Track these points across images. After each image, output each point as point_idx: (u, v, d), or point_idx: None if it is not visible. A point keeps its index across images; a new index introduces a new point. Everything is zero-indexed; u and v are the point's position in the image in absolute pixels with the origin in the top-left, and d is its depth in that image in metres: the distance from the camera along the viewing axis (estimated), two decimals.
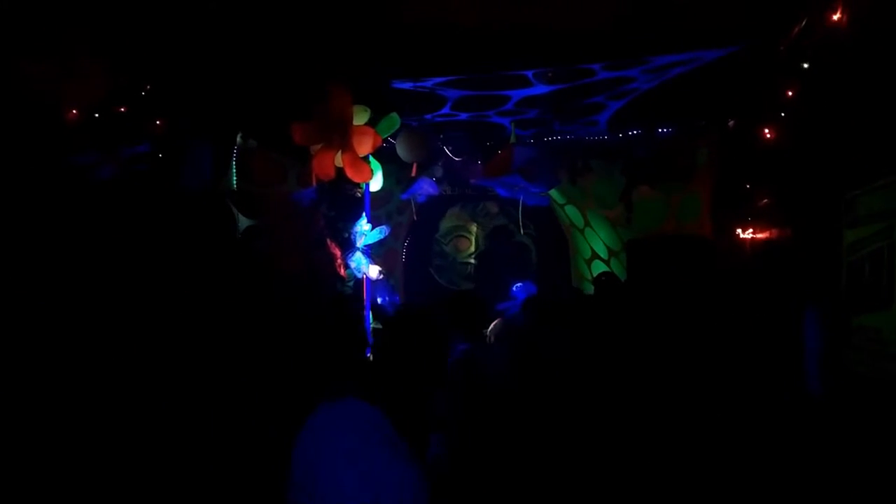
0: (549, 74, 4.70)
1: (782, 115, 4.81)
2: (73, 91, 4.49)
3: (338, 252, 5.68)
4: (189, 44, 4.73)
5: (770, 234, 5.57)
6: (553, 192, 6.92)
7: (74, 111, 4.65)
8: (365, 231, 5.48)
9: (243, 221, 5.70)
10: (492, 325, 3.96)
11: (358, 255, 5.49)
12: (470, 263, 8.24)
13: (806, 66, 4.30)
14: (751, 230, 5.78)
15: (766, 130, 5.00)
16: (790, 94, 4.58)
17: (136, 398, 3.75)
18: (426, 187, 6.46)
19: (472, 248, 8.23)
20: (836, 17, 3.80)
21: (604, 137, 6.36)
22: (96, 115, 4.80)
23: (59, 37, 4.21)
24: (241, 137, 5.74)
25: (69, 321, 4.04)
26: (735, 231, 5.86)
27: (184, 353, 4.22)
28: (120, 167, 4.92)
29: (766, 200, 5.52)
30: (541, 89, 5.04)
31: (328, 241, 5.79)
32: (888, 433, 3.55)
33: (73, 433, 3.36)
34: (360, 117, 5.04)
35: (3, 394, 3.31)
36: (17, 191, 4.21)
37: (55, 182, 4.46)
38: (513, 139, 5.73)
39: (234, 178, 5.72)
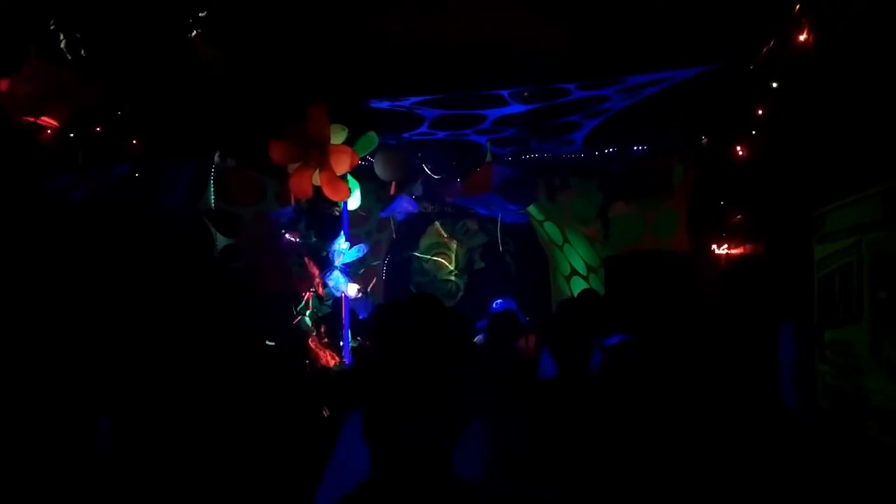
0: (525, 94, 4.76)
1: (753, 132, 4.91)
2: (48, 110, 4.46)
3: (316, 271, 5.66)
4: (166, 62, 4.73)
5: (744, 249, 5.66)
6: (532, 209, 6.97)
7: (49, 131, 4.62)
8: (343, 250, 5.48)
9: (221, 240, 5.67)
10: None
11: (336, 273, 5.48)
12: (451, 281, 8.25)
13: (775, 84, 4.40)
14: (725, 246, 5.88)
15: (739, 148, 5.10)
16: (761, 112, 4.68)
17: (118, 414, 3.70)
18: (405, 205, 6.48)
19: (453, 266, 8.24)
20: (802, 38, 3.90)
21: (580, 155, 6.43)
22: (71, 134, 4.77)
23: (34, 56, 4.19)
24: (219, 156, 5.73)
25: (48, 341, 4.00)
26: (710, 247, 5.95)
27: (163, 372, 4.18)
28: (97, 188, 4.89)
29: (739, 217, 5.62)
30: (517, 108, 5.10)
31: (306, 259, 5.77)
32: (860, 446, 3.59)
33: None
34: (337, 136, 5.05)
35: None
36: None
37: (31, 203, 4.43)
38: (489, 157, 5.78)
39: (212, 196, 5.70)
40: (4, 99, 4.09)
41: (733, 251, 5.82)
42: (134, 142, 5.10)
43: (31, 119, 4.36)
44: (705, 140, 5.64)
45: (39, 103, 4.30)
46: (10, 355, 3.68)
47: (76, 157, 4.70)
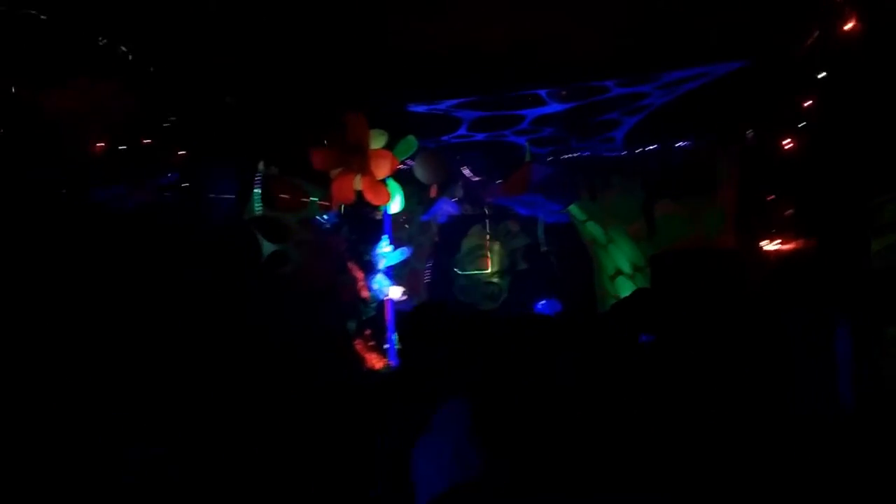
0: (563, 93, 4.73)
1: (801, 124, 4.76)
2: (98, 123, 4.63)
3: (360, 275, 5.73)
4: (211, 75, 4.87)
5: (796, 245, 5.49)
6: (573, 209, 6.91)
7: (100, 143, 4.80)
8: (386, 253, 5.53)
9: (267, 247, 5.79)
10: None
11: (380, 276, 5.54)
12: (493, 283, 8.22)
13: (821, 75, 4.27)
14: (776, 242, 5.70)
15: (786, 141, 4.96)
16: (808, 103, 4.54)
17: (165, 421, 3.80)
18: (446, 208, 6.50)
19: (496, 268, 8.22)
20: (848, 27, 3.78)
21: (622, 153, 6.34)
22: (121, 147, 4.94)
23: (84, 70, 4.36)
24: (264, 165, 5.86)
25: (102, 349, 4.14)
26: (760, 243, 5.78)
27: (215, 378, 4.29)
28: (146, 197, 5.05)
29: (789, 211, 5.45)
30: (555, 107, 5.07)
31: (350, 264, 5.85)
32: None
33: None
34: (377, 141, 5.11)
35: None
36: (46, 224, 4.35)
37: (83, 214, 4.60)
38: (528, 157, 5.75)
39: (258, 204, 5.83)
40: (57, 113, 4.27)
41: (784, 246, 5.64)
42: (180, 153, 5.26)
43: (80, 133, 4.52)
44: (750, 133, 5.49)
45: (87, 117, 4.46)
46: (67, 359, 3.82)
47: (125, 169, 4.86)
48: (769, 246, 5.76)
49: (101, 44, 4.41)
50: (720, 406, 3.55)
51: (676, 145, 5.96)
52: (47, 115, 4.26)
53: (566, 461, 2.11)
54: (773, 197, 5.47)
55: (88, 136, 4.62)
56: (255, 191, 5.78)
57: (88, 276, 4.48)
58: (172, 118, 5.14)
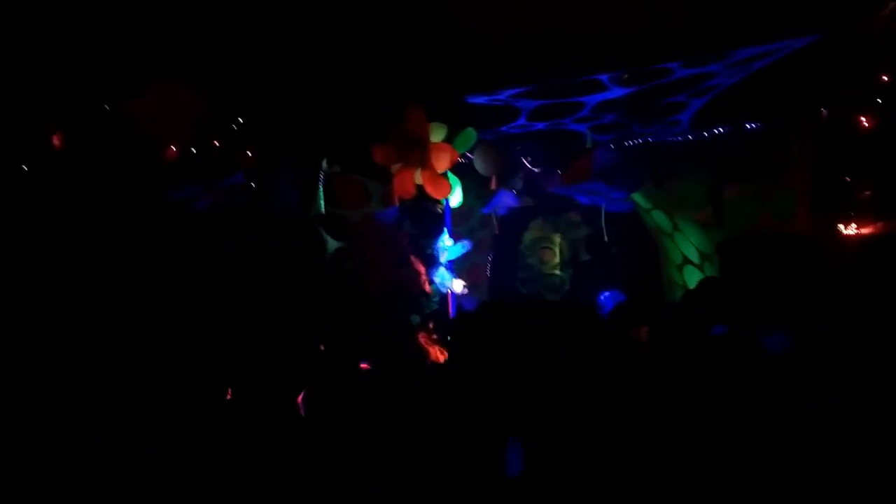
0: (625, 76, 4.64)
1: (879, 101, 4.53)
2: (170, 127, 4.84)
3: (422, 269, 5.79)
4: (274, 77, 5.00)
5: (875, 228, 5.22)
6: (637, 197, 6.77)
7: (173, 147, 5.01)
8: (447, 246, 5.57)
9: (332, 244, 5.92)
10: None
11: (441, 270, 5.58)
12: (555, 274, 8.15)
13: None
14: (854, 225, 5.44)
15: (863, 119, 4.73)
16: (885, 78, 4.32)
17: (212, 416, 3.90)
18: (506, 200, 6.48)
19: (557, 259, 8.14)
20: None
21: (688, 137, 6.16)
22: (193, 149, 5.15)
23: (156, 75, 4.55)
24: (327, 163, 5.99)
25: (176, 345, 4.32)
26: (837, 227, 5.52)
27: (284, 374, 4.40)
28: (217, 198, 5.25)
29: (868, 192, 5.19)
30: (617, 92, 4.97)
31: (412, 258, 5.91)
32: None
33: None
34: (436, 134, 5.15)
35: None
36: (123, 225, 4.57)
37: (159, 215, 4.81)
38: (589, 144, 5.67)
39: (322, 202, 5.96)
40: (131, 119, 4.47)
41: (863, 230, 5.38)
42: (248, 153, 5.43)
43: (156, 136, 4.72)
44: (824, 112, 5.25)
45: (162, 121, 4.66)
46: (140, 356, 3.99)
47: (198, 170, 5.06)
48: (847, 230, 5.50)
49: (171, 48, 4.59)
50: (790, 400, 3.43)
51: (746, 127, 5.75)
52: (126, 119, 4.47)
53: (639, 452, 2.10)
54: (850, 178, 5.23)
55: (164, 139, 4.83)
56: (319, 189, 5.93)
57: (163, 274, 4.68)
58: (240, 120, 5.32)
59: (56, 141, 4.39)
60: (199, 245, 4.92)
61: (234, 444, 3.20)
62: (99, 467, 3.04)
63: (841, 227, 5.48)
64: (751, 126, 5.86)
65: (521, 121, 5.72)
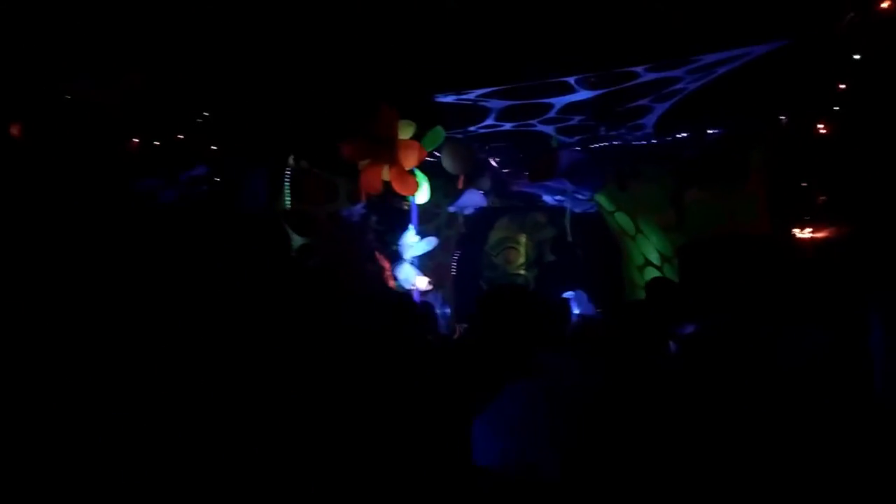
0: (592, 79, 4.70)
1: (836, 108, 4.68)
2: (133, 119, 4.74)
3: (387, 264, 5.78)
4: (241, 70, 4.94)
5: (830, 232, 5.39)
6: (601, 199, 6.86)
7: (136, 139, 4.91)
8: (412, 243, 5.57)
9: (297, 240, 5.86)
10: None
11: (406, 266, 5.57)
12: (521, 274, 8.22)
13: (857, 57, 4.19)
14: (810, 229, 5.61)
15: (820, 125, 4.87)
16: (842, 86, 4.46)
17: (206, 416, 3.85)
18: (474, 199, 6.51)
19: (522, 260, 8.22)
20: (885, 5, 3.71)
21: (652, 141, 6.28)
22: (156, 142, 5.05)
23: (120, 68, 4.46)
24: (293, 159, 5.93)
25: (134, 337, 4.22)
26: (794, 231, 5.69)
27: (244, 368, 4.34)
28: (180, 191, 5.16)
29: (824, 198, 5.35)
30: (584, 95, 5.04)
31: (377, 254, 5.89)
32: None
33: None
34: (405, 132, 5.15)
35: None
36: (86, 215, 4.46)
37: (122, 206, 4.71)
38: (555, 143, 5.73)
39: (288, 198, 5.91)
40: (93, 109, 4.37)
41: (819, 233, 5.55)
42: (212, 147, 5.36)
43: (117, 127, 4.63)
44: (784, 119, 5.41)
45: (124, 112, 4.57)
46: (102, 350, 3.90)
47: (161, 162, 4.97)
48: (803, 234, 5.67)
49: (133, 41, 4.51)
50: (749, 395, 3.52)
51: (708, 132, 5.89)
52: (88, 110, 4.36)
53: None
54: (806, 183, 5.38)
55: (125, 130, 4.73)
56: (286, 184, 5.87)
57: (122, 267, 4.58)
58: (205, 113, 5.24)
59: (15, 131, 4.27)
60: (165, 237, 4.83)
61: (208, 439, 3.16)
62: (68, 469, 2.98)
63: (797, 231, 5.65)
64: (712, 131, 6.00)
65: (490, 120, 5.75)
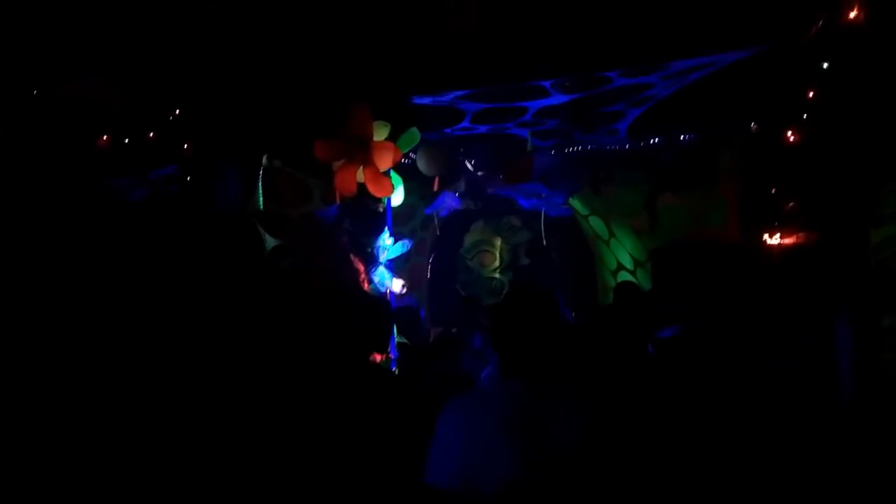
0: (566, 84, 4.74)
1: (804, 116, 4.76)
2: (103, 117, 4.66)
3: (361, 267, 5.74)
4: (214, 69, 4.89)
5: (798, 237, 5.49)
6: (576, 204, 6.91)
7: (106, 136, 4.83)
8: (387, 245, 5.54)
9: (270, 241, 5.80)
10: None
11: (381, 269, 5.54)
12: (495, 278, 8.24)
13: (825, 65, 4.27)
14: (779, 235, 5.70)
15: (789, 133, 4.96)
16: (811, 94, 4.54)
17: (171, 417, 3.80)
18: (449, 202, 6.50)
19: (497, 263, 8.23)
20: (852, 15, 3.78)
21: (625, 146, 6.35)
22: (126, 140, 4.97)
23: (90, 63, 4.38)
24: (267, 159, 5.87)
25: (103, 338, 4.15)
26: (763, 236, 5.78)
27: (215, 371, 4.29)
28: (151, 189, 5.08)
29: (792, 204, 5.45)
30: (558, 99, 5.07)
31: (352, 256, 5.86)
32: None
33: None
34: (380, 133, 5.12)
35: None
36: (55, 213, 4.37)
37: (91, 204, 4.62)
38: (529, 147, 5.76)
39: (261, 198, 5.84)
40: (62, 105, 4.29)
41: (787, 239, 5.65)
42: (185, 146, 5.28)
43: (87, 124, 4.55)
44: (754, 125, 5.50)
45: (93, 109, 4.49)
46: (65, 349, 3.83)
47: (130, 160, 4.89)
48: (772, 239, 5.76)
49: (105, 37, 4.43)
50: (721, 395, 3.57)
51: (680, 138, 5.96)
52: (55, 106, 4.28)
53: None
54: (775, 189, 5.48)
55: (94, 127, 4.65)
56: (259, 185, 5.81)
57: (91, 266, 4.49)
58: (176, 111, 5.17)
59: None
60: (135, 236, 4.74)
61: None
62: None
63: (766, 236, 5.74)
64: (685, 137, 6.08)
65: (465, 123, 5.76)
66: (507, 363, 2.22)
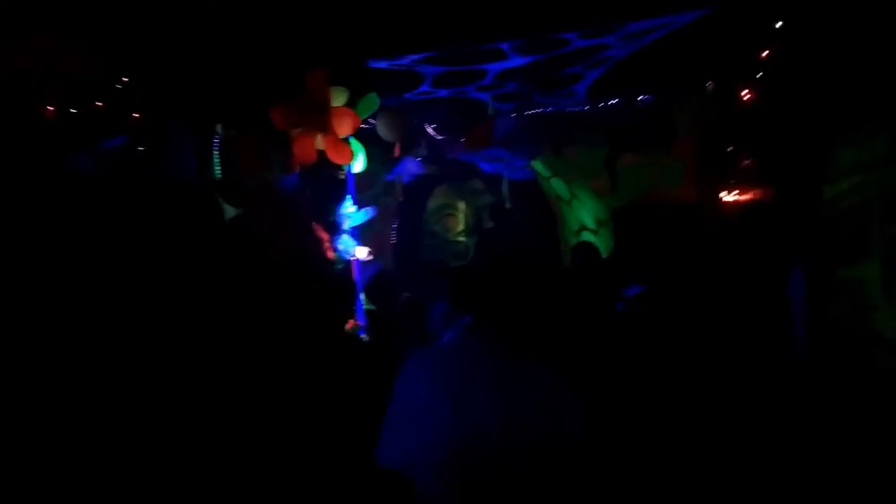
0: (525, 46, 4.71)
1: (759, 74, 4.83)
2: (49, 85, 4.47)
3: (325, 235, 5.69)
4: (164, 33, 4.71)
5: (754, 195, 5.61)
6: (538, 165, 6.93)
7: (51, 107, 4.63)
8: (350, 213, 5.49)
9: (229, 211, 5.69)
10: None
11: (345, 237, 5.50)
12: (460, 241, 8.26)
13: (779, 24, 4.32)
14: (735, 192, 5.82)
15: (745, 91, 5.03)
16: (766, 53, 4.60)
17: (131, 396, 3.75)
18: (411, 167, 6.46)
19: (462, 226, 8.24)
20: None
21: (585, 108, 6.36)
22: (73, 110, 4.78)
23: (33, 29, 4.18)
24: (222, 127, 5.72)
25: (59, 317, 4.05)
26: (719, 194, 5.90)
27: (179, 346, 4.23)
28: (100, 162, 4.92)
29: (748, 161, 5.55)
30: (517, 61, 5.04)
31: (315, 225, 5.79)
32: (873, 384, 3.61)
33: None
34: (338, 99, 5.03)
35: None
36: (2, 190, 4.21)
37: (37, 178, 4.46)
38: (491, 111, 5.74)
39: (218, 167, 5.71)
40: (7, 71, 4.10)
41: (742, 197, 5.76)
42: (136, 115, 5.11)
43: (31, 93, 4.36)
44: (710, 84, 5.56)
45: (38, 78, 4.30)
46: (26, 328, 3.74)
47: (80, 133, 4.71)
48: (728, 197, 5.88)
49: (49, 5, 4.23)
50: (682, 350, 3.67)
51: (638, 98, 6.00)
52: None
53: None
54: (731, 148, 5.57)
55: (40, 96, 4.45)
56: (214, 153, 5.66)
57: (43, 244, 4.36)
58: (126, 79, 4.99)
59: None
60: (88, 210, 4.60)
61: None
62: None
63: (723, 193, 5.86)
64: (642, 98, 6.11)
65: (425, 87, 5.69)
66: (470, 325, 2.23)
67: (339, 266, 6.02)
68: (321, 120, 4.92)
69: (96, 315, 4.19)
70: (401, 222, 8.09)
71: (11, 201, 4.22)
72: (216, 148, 5.65)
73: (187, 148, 5.53)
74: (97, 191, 4.81)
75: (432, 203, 8.28)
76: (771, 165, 5.10)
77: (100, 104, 4.91)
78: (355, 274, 5.64)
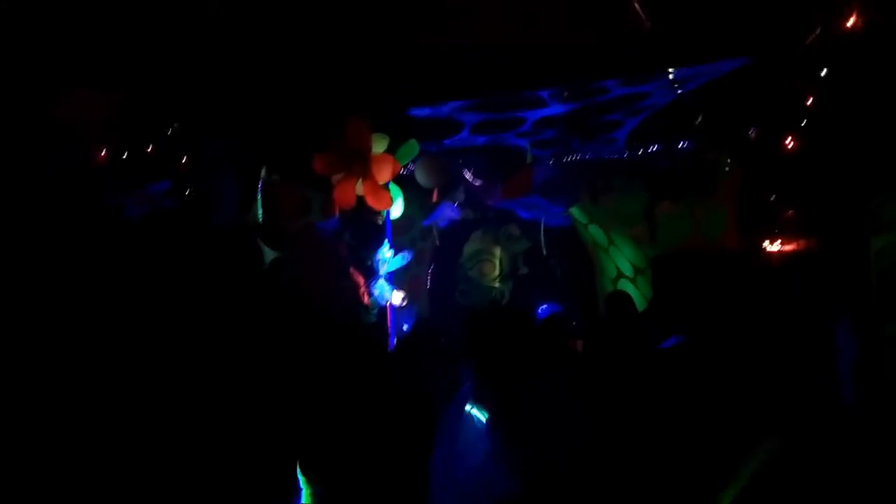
0: (565, 94, 4.74)
1: (803, 123, 4.77)
2: (101, 132, 4.65)
3: (361, 280, 5.73)
4: (212, 82, 4.88)
5: (797, 245, 5.48)
6: (575, 212, 6.90)
7: (103, 152, 4.81)
8: (387, 258, 5.53)
9: (269, 254, 5.79)
10: None
11: (381, 282, 5.53)
12: (495, 287, 8.21)
13: (823, 73, 4.28)
14: (778, 242, 5.70)
15: (788, 140, 4.97)
16: (809, 101, 4.55)
17: (176, 432, 3.78)
18: (448, 212, 6.50)
19: (497, 272, 8.21)
20: (850, 23, 3.79)
21: (624, 155, 6.34)
22: (124, 155, 4.96)
23: (87, 78, 4.37)
24: (266, 172, 5.86)
25: (109, 355, 4.13)
26: (762, 244, 5.78)
27: (217, 387, 4.27)
28: (148, 204, 5.07)
29: (791, 211, 5.45)
30: (557, 109, 5.07)
31: (352, 269, 5.84)
32: None
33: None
34: (379, 145, 5.12)
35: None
36: (53, 229, 4.36)
37: (89, 220, 4.61)
38: (529, 159, 5.76)
39: (260, 211, 5.83)
40: (58, 124, 4.28)
41: (786, 247, 5.64)
42: (183, 160, 5.27)
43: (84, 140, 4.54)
44: (753, 133, 5.50)
45: (91, 128, 4.48)
46: (68, 360, 3.82)
47: (130, 177, 4.88)
48: (771, 247, 5.76)
49: (103, 51, 4.42)
50: (723, 405, 3.54)
51: (679, 146, 5.96)
52: (52, 123, 4.27)
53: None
54: (774, 197, 5.48)
55: (92, 143, 4.63)
56: (258, 198, 5.79)
57: (93, 282, 4.48)
58: (175, 125, 5.16)
59: None
60: (133, 252, 4.73)
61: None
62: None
63: (766, 243, 5.74)
64: (683, 145, 6.07)
65: (464, 134, 5.76)
66: (481, 377, 2.24)
67: (374, 310, 6.04)
68: (362, 166, 5.01)
69: (143, 354, 4.27)
70: (436, 267, 8.10)
71: (65, 244, 4.37)
72: (259, 192, 5.79)
73: (230, 192, 5.67)
74: (144, 233, 4.95)
75: (468, 248, 8.28)
76: (815, 216, 4.99)
77: (149, 150, 5.08)
78: (389, 318, 5.65)
